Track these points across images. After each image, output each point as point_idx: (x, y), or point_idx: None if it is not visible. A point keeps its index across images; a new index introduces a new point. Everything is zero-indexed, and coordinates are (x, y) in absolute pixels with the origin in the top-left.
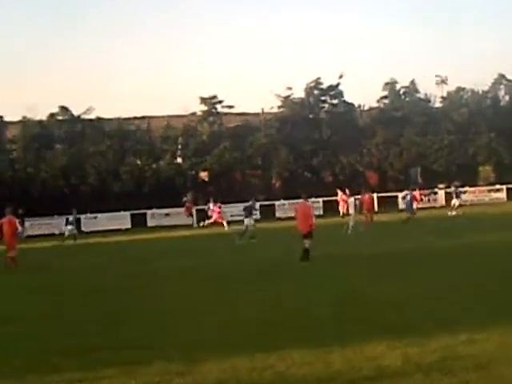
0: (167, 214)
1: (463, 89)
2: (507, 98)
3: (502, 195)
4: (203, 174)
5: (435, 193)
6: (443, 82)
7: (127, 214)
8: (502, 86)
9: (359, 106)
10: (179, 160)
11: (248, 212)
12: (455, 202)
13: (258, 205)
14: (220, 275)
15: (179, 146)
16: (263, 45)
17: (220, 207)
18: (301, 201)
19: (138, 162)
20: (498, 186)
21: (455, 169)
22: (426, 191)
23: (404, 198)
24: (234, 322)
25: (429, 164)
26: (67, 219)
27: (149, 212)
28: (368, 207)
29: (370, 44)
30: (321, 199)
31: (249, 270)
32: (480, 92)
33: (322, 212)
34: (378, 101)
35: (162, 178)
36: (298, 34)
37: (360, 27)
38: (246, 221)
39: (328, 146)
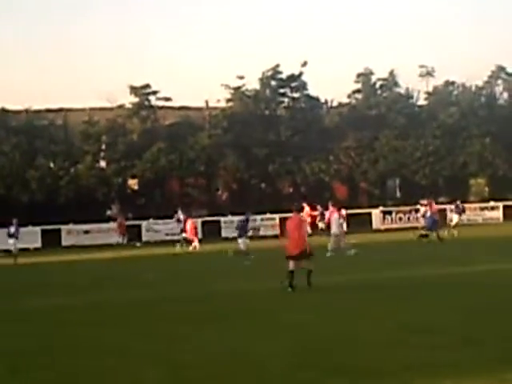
0: (87, 231)
1: (453, 83)
2: (505, 95)
3: (498, 214)
4: (132, 182)
5: (417, 210)
6: (429, 74)
7: (37, 229)
8: (499, 81)
9: (326, 102)
10: (103, 164)
11: (242, 230)
12: (455, 218)
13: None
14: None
15: (103, 147)
16: (211, 27)
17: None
18: (292, 214)
19: (52, 166)
20: (492, 204)
21: (442, 181)
22: (407, 208)
23: (424, 215)
24: None
25: (410, 175)
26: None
27: (64, 228)
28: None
29: (340, 27)
30: (277, 215)
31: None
32: (473, 88)
33: (278, 231)
34: (349, 96)
35: (82, 185)
36: (252, 14)
37: (329, 5)
38: (240, 241)
39: (287, 150)
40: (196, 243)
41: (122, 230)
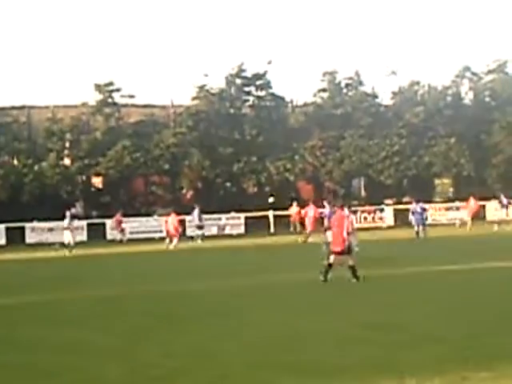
0: (51, 229)
1: (418, 83)
2: (471, 95)
3: (462, 215)
4: (96, 180)
5: (382, 210)
6: (394, 73)
7: (1, 227)
8: (465, 81)
9: (291, 101)
10: (67, 161)
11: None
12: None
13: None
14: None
15: (67, 144)
16: (176, 25)
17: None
18: (337, 210)
19: (15, 163)
20: (458, 204)
21: (406, 181)
22: (372, 207)
23: (414, 212)
24: None
25: (375, 174)
26: None
27: (28, 225)
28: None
29: (305, 25)
30: (242, 215)
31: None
32: (439, 87)
33: (243, 230)
34: (314, 95)
35: (46, 183)
36: (217, 12)
37: (294, 4)
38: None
39: (252, 149)
40: (176, 241)
41: (119, 227)
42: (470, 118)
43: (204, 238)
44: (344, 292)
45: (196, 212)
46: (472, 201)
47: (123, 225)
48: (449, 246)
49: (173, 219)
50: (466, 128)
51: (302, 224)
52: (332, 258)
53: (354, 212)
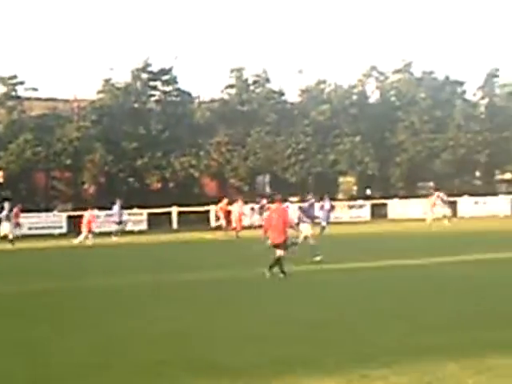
0: None
1: (324, 81)
2: (377, 94)
3: (366, 213)
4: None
5: (286, 207)
6: (300, 72)
7: None
8: (371, 80)
9: (198, 97)
10: None
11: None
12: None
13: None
14: None
15: None
16: (82, 18)
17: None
18: (276, 204)
19: None
20: (361, 202)
21: (311, 178)
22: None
23: (322, 207)
24: None
25: (280, 171)
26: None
27: None
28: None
29: (213, 22)
30: (145, 211)
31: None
32: (345, 86)
33: (146, 226)
34: (221, 91)
35: None
36: (124, 5)
37: (202, 1)
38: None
39: (157, 144)
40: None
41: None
42: (375, 116)
43: (121, 233)
44: (258, 288)
45: (116, 207)
46: (434, 196)
47: (20, 220)
48: (353, 243)
49: (89, 215)
50: (371, 127)
51: (229, 221)
52: (277, 251)
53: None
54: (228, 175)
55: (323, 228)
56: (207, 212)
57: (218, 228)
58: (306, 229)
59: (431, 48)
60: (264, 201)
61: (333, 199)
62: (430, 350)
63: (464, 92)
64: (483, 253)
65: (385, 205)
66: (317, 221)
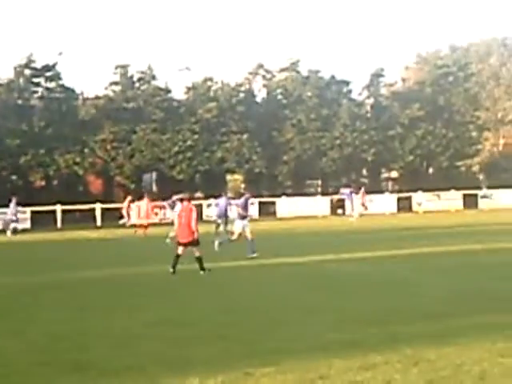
0: None
1: (211, 79)
2: (264, 92)
3: (253, 211)
4: None
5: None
6: (187, 69)
7: None
8: (258, 78)
9: (82, 93)
10: None
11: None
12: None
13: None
14: None
15: None
16: None
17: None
18: (184, 203)
19: None
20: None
21: (199, 176)
22: (164, 202)
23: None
24: None
25: (167, 169)
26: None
27: None
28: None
29: (100, 19)
30: (28, 209)
31: None
32: (232, 84)
33: (29, 225)
34: (106, 88)
35: None
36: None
37: None
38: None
39: (40, 141)
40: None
41: None
42: (262, 115)
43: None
44: (142, 289)
45: (12, 204)
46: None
47: None
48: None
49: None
50: (259, 125)
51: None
52: (180, 249)
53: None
54: (113, 173)
55: (218, 225)
56: (92, 210)
57: (123, 226)
58: (241, 225)
59: (318, 47)
60: (174, 197)
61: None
62: (319, 348)
63: (350, 91)
64: (375, 251)
65: (273, 203)
66: (213, 218)
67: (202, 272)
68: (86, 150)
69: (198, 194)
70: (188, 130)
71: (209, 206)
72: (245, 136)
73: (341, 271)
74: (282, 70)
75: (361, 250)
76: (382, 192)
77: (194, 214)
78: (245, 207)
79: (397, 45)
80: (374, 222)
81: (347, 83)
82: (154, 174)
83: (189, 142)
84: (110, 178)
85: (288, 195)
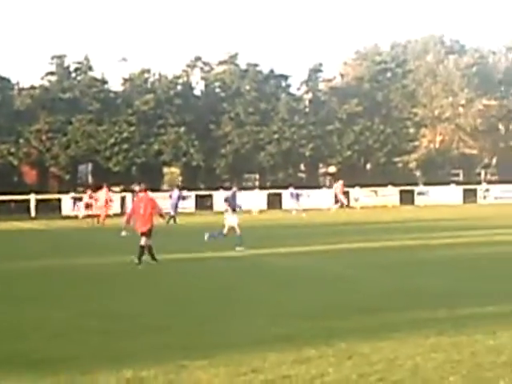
0: None
1: (149, 71)
2: (202, 85)
3: (191, 204)
4: None
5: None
6: (124, 60)
7: None
8: (196, 71)
9: (17, 83)
10: None
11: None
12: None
13: None
14: None
15: None
16: None
17: None
18: (141, 194)
19: None
20: (185, 193)
21: (135, 168)
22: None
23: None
24: None
25: (103, 161)
26: None
27: None
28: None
29: (34, 6)
30: None
31: None
32: (170, 76)
33: None
34: (42, 78)
35: None
36: None
37: None
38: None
39: None
40: None
41: None
42: (200, 107)
43: None
44: (80, 280)
45: None
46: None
47: None
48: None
49: None
50: (196, 118)
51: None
52: (143, 239)
53: (80, 199)
54: (48, 164)
55: (173, 217)
56: (27, 201)
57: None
58: (232, 219)
59: (256, 40)
60: (136, 187)
61: (157, 190)
62: (253, 342)
63: (288, 86)
64: (312, 245)
65: (210, 196)
66: (165, 211)
67: (137, 261)
68: (20, 141)
69: (233, 186)
70: (124, 121)
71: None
72: (182, 129)
73: (278, 265)
74: (221, 63)
75: (298, 245)
76: (319, 187)
77: (153, 205)
78: (232, 201)
79: (335, 40)
80: (312, 217)
81: (286, 77)
82: (90, 166)
83: (125, 134)
84: (44, 168)
85: (225, 189)
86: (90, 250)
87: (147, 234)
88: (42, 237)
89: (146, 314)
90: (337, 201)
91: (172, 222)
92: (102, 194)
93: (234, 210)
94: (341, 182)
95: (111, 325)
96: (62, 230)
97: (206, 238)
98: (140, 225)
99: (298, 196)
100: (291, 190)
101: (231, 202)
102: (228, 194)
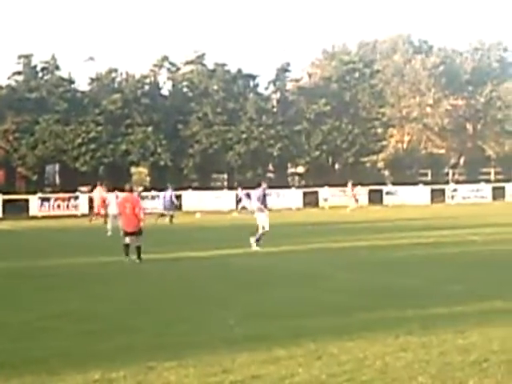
0: None
1: (116, 70)
2: (169, 85)
3: (159, 204)
4: None
5: (76, 197)
6: (91, 59)
7: None
8: (163, 70)
9: None
10: None
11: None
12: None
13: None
14: None
15: None
16: None
17: None
18: (126, 194)
19: None
20: (154, 193)
21: (103, 168)
22: (66, 195)
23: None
24: None
25: (70, 161)
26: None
27: None
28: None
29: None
30: None
31: None
32: (137, 76)
33: None
34: (8, 77)
35: None
36: None
37: None
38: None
39: None
40: None
41: None
42: (167, 107)
43: None
44: (47, 281)
45: None
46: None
47: None
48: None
49: None
50: (164, 117)
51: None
52: (127, 239)
53: (48, 199)
54: (16, 164)
55: (171, 216)
56: None
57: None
58: (263, 217)
59: (224, 40)
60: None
61: (122, 190)
62: (223, 342)
63: (256, 85)
64: (280, 245)
65: (178, 196)
66: (159, 210)
67: (138, 260)
68: None
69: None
70: (92, 121)
71: (153, 197)
72: (150, 128)
73: (246, 265)
74: (188, 63)
75: (267, 245)
76: (288, 187)
77: (140, 204)
78: (263, 199)
79: (303, 40)
80: (280, 217)
81: (254, 77)
82: (57, 166)
83: (92, 134)
84: (12, 168)
85: (194, 189)
86: (58, 250)
87: (136, 233)
88: (9, 237)
89: (114, 315)
90: (356, 200)
91: (168, 221)
92: (96, 192)
93: (265, 207)
94: (351, 182)
95: (78, 326)
96: (29, 231)
97: (253, 244)
98: (127, 224)
99: (248, 195)
100: (239, 191)
101: (262, 199)
102: (258, 191)
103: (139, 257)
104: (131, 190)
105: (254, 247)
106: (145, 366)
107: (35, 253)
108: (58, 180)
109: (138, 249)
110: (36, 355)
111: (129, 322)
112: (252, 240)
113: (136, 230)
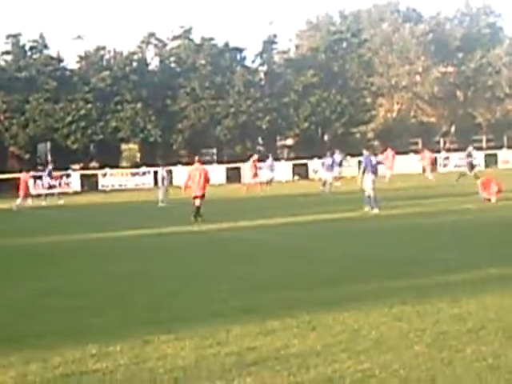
0: None
1: (104, 48)
2: (157, 61)
3: (149, 180)
4: None
5: (68, 175)
6: (80, 38)
7: None
8: (150, 47)
9: None
10: None
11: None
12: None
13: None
14: None
15: None
16: None
17: None
18: (196, 165)
19: None
20: (144, 169)
21: (94, 146)
22: (58, 173)
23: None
24: None
25: (61, 139)
26: None
27: None
28: None
29: None
30: None
31: None
32: (125, 53)
33: None
34: None
35: None
36: None
37: None
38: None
39: None
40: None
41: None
42: (155, 83)
43: None
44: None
45: None
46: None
47: None
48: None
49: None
50: (152, 94)
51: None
52: (197, 201)
53: (40, 177)
54: (7, 143)
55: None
56: None
57: None
58: (369, 182)
59: (210, 14)
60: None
61: (116, 167)
62: (217, 316)
63: (244, 59)
64: (271, 218)
65: (169, 171)
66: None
67: (193, 219)
68: None
69: (93, 164)
70: (81, 99)
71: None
72: (139, 105)
73: (238, 239)
74: (175, 38)
75: (258, 218)
76: (278, 159)
77: (207, 174)
78: (373, 165)
79: (289, 11)
80: (271, 189)
81: (241, 50)
82: (49, 144)
83: (82, 112)
84: (3, 148)
85: (183, 164)
86: (51, 228)
87: (201, 197)
88: (3, 216)
89: (107, 291)
90: (432, 169)
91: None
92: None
93: (374, 173)
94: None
95: (72, 302)
96: (23, 209)
97: (373, 210)
98: (195, 189)
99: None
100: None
101: (368, 165)
102: (363, 159)
103: (195, 216)
104: (200, 162)
105: (375, 211)
106: (141, 340)
107: (27, 231)
108: (49, 158)
109: (198, 208)
110: (34, 330)
111: (121, 297)
112: (367, 208)
113: (200, 194)
